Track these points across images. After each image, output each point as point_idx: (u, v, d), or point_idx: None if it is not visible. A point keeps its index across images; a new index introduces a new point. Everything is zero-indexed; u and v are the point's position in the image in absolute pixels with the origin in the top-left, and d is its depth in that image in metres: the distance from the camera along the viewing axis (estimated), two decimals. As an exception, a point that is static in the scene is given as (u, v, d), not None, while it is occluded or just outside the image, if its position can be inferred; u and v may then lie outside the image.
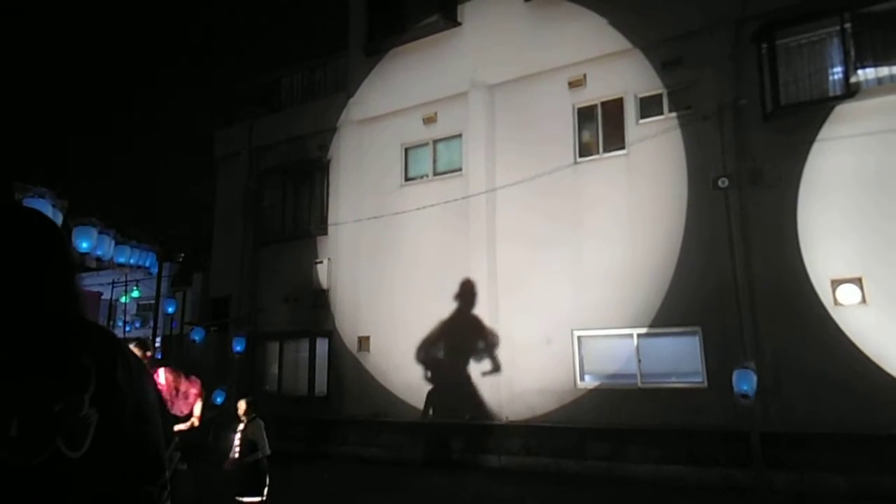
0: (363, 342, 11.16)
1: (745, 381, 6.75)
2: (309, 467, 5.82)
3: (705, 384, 8.28)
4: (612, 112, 9.50)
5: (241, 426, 5.39)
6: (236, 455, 5.30)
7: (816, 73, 8.23)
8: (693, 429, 7.82)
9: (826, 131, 7.95)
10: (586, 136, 9.72)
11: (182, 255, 13.41)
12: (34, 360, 1.15)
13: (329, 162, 12.30)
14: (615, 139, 9.41)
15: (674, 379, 8.60)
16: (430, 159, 11.15)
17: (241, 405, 5.51)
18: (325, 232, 12.03)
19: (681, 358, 8.59)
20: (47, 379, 1.14)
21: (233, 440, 5.37)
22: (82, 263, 8.25)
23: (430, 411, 10.02)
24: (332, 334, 11.53)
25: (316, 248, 12.08)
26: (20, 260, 1.23)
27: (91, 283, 22.37)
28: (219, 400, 10.46)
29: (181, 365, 6.11)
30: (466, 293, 10.14)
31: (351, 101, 12.05)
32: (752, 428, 6.97)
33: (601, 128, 9.57)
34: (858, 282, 7.58)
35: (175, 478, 1.37)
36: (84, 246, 7.39)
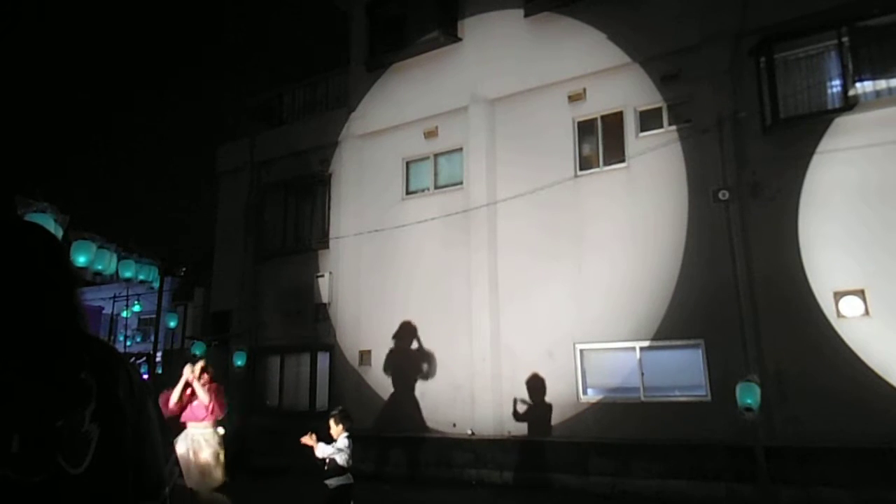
0: (364, 356, 11.11)
1: (748, 395, 6.69)
2: (303, 482, 5.77)
3: (709, 398, 8.22)
4: (612, 125, 9.54)
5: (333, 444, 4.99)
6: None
7: (815, 87, 8.29)
8: (697, 443, 7.76)
9: (825, 144, 7.98)
10: (587, 149, 9.76)
11: (183, 269, 13.38)
12: (34, 376, 1.13)
13: (330, 176, 12.34)
14: (615, 152, 9.44)
15: (677, 392, 8.54)
16: (431, 173, 11.18)
17: (331, 422, 5.09)
18: (326, 246, 12.04)
19: (684, 371, 8.54)
20: (48, 395, 1.13)
21: (323, 459, 4.97)
22: (82, 278, 8.25)
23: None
24: (333, 348, 11.49)
25: (317, 262, 12.08)
26: (20, 275, 1.22)
27: (92, 297, 22.40)
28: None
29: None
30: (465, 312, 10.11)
31: (352, 115, 12.12)
32: (756, 442, 6.91)
33: (601, 141, 9.61)
34: (861, 294, 7.56)
35: (175, 493, 1.36)
36: (82, 260, 7.38)
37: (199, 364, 5.96)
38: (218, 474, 5.66)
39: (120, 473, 1.21)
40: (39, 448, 1.09)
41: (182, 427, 5.79)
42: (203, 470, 5.59)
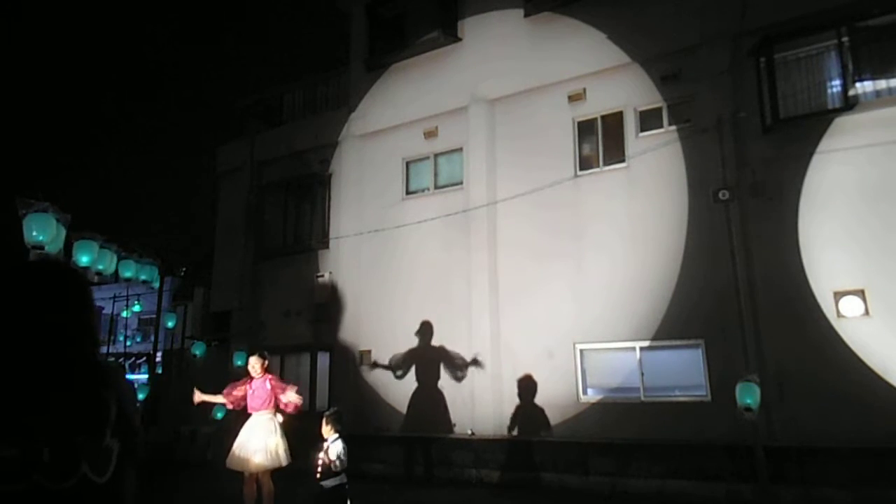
0: (364, 356, 11.12)
1: (748, 395, 6.70)
2: (299, 482, 5.83)
3: (709, 398, 8.23)
4: (612, 125, 9.54)
5: (324, 445, 4.97)
6: (317, 476, 4.92)
7: (815, 87, 8.29)
8: (697, 443, 7.75)
9: (825, 143, 7.98)
10: (587, 149, 9.76)
11: (183, 269, 13.40)
12: (60, 398, 1.33)
13: (330, 176, 12.35)
14: (615, 152, 9.44)
15: (677, 392, 8.55)
16: (431, 173, 11.19)
17: (323, 422, 5.08)
18: (326, 246, 12.04)
19: (684, 371, 8.55)
20: (71, 415, 1.32)
21: (315, 460, 4.97)
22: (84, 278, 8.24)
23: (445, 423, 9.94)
24: (333, 348, 11.49)
25: (317, 262, 12.08)
26: (50, 310, 1.44)
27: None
28: (219, 415, 10.40)
29: (182, 379, 6.26)
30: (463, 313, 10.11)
31: (352, 115, 12.12)
32: (755, 442, 6.91)
33: (601, 141, 9.61)
34: (861, 294, 7.56)
35: None
36: (85, 260, 7.37)
37: (261, 363, 6.55)
38: (275, 457, 6.16)
39: (134, 481, 1.44)
40: (66, 459, 1.27)
41: (248, 416, 6.41)
42: (260, 452, 6.11)
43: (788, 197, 8.10)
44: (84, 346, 1.46)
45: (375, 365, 10.75)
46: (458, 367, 10.03)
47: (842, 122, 7.93)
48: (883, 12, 7.79)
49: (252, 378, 6.51)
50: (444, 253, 10.56)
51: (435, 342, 10.36)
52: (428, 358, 10.35)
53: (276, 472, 6.30)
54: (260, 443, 6.17)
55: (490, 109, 10.59)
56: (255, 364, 6.53)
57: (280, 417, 6.49)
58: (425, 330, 10.41)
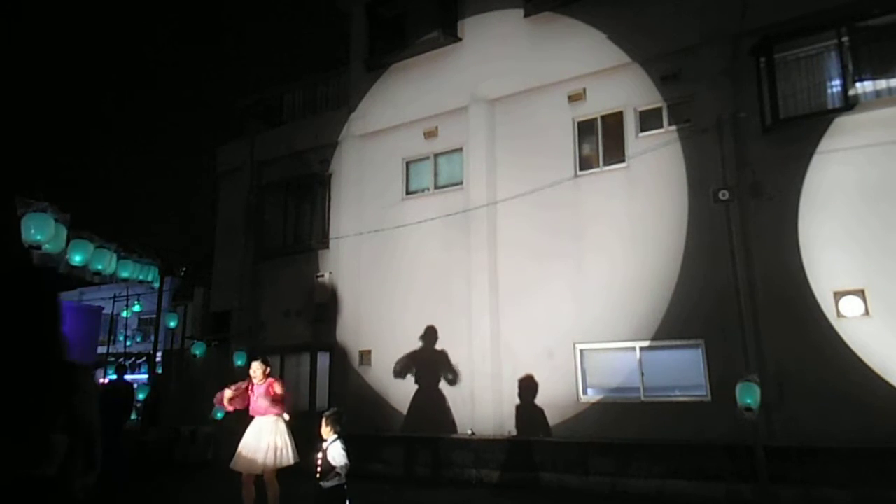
0: (364, 356, 11.12)
1: (748, 395, 6.70)
2: (300, 482, 5.83)
3: (709, 398, 8.23)
4: (612, 125, 9.55)
5: (323, 446, 4.92)
6: (317, 476, 4.89)
7: (815, 87, 8.29)
8: (697, 443, 7.75)
9: (825, 143, 7.98)
10: (587, 149, 9.77)
11: (183, 269, 13.41)
12: (21, 399, 1.42)
13: (330, 176, 12.35)
14: (615, 152, 9.45)
15: (677, 392, 8.55)
16: (431, 173, 11.19)
17: (323, 423, 5.02)
18: (326, 246, 12.04)
19: (684, 371, 8.55)
20: (45, 414, 1.44)
21: (315, 460, 4.94)
22: (81, 277, 8.25)
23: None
24: (333, 348, 11.49)
25: (317, 262, 12.08)
26: (30, 316, 1.52)
27: (92, 297, 22.40)
28: (219, 415, 10.40)
29: (182, 379, 6.23)
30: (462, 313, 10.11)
31: (352, 115, 12.13)
32: (756, 442, 6.91)
33: (601, 141, 9.62)
34: (861, 294, 7.56)
35: None
36: (78, 259, 7.37)
37: (262, 369, 6.55)
38: (282, 455, 6.19)
39: (81, 471, 1.54)
40: (22, 452, 1.38)
41: (251, 418, 6.42)
42: (266, 451, 6.14)
43: (788, 197, 8.10)
44: (56, 348, 1.56)
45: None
46: (452, 371, 10.06)
47: (842, 122, 7.93)
48: (883, 12, 7.79)
49: (254, 383, 6.51)
50: (444, 253, 10.56)
51: (436, 344, 10.36)
52: (429, 359, 10.35)
53: (278, 473, 6.30)
54: (267, 442, 6.18)
55: (490, 109, 10.59)
56: (256, 369, 6.54)
57: (286, 416, 6.49)
58: (427, 332, 10.41)
